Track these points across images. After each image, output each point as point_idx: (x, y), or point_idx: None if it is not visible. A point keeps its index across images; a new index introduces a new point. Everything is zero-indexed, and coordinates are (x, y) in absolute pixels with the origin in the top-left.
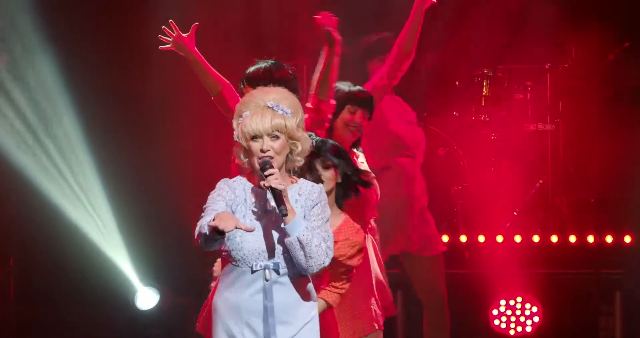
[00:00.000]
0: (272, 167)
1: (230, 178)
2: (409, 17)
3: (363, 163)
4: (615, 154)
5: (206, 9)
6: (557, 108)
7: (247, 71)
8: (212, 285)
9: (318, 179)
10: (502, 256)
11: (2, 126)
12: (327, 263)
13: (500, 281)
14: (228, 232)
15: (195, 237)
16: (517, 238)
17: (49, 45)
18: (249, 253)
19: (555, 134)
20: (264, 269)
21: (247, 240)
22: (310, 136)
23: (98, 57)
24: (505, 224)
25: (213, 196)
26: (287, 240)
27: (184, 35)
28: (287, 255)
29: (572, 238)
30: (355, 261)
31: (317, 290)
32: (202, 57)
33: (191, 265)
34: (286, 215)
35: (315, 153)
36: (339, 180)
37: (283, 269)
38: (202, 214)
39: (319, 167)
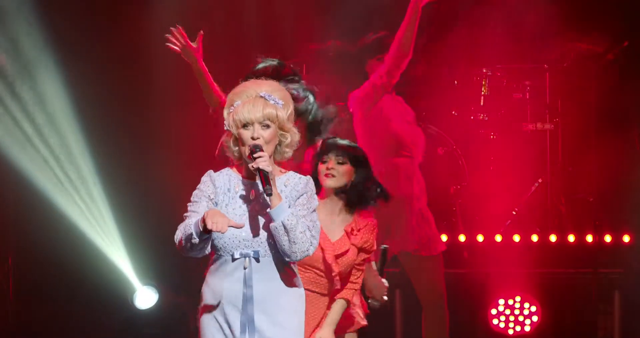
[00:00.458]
0: (261, 151)
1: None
2: (406, 15)
3: None
4: (614, 154)
5: (206, 10)
6: (555, 108)
7: (255, 68)
8: None
9: (315, 178)
10: (501, 256)
11: (1, 127)
12: (311, 252)
13: (499, 280)
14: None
15: (178, 241)
16: (516, 238)
17: (49, 46)
18: (230, 241)
19: (554, 134)
20: (244, 257)
21: (228, 229)
22: (334, 138)
23: (98, 58)
24: (504, 223)
25: (196, 194)
26: (272, 225)
27: (192, 44)
28: (269, 243)
29: (571, 238)
30: (374, 246)
31: (335, 293)
32: (207, 69)
33: (190, 264)
34: (271, 194)
35: (330, 147)
36: (354, 180)
37: (263, 257)
38: (185, 214)
39: (332, 159)
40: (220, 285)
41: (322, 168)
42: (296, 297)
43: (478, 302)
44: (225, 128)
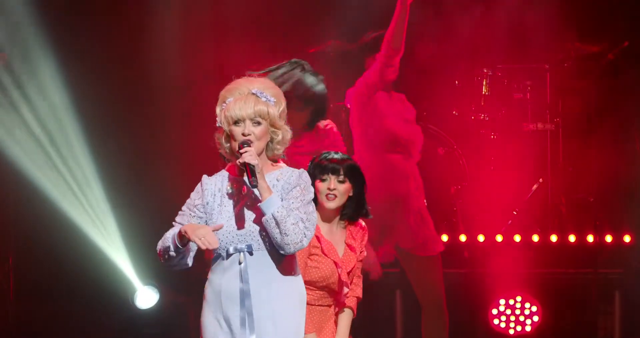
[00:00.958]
0: (249, 146)
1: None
2: (395, 12)
3: None
4: (614, 154)
5: (205, 12)
6: (556, 108)
7: (279, 73)
8: None
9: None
10: (502, 256)
11: (1, 127)
12: (305, 244)
13: (500, 280)
14: (212, 248)
15: (158, 253)
16: (517, 238)
17: (50, 47)
18: (223, 237)
19: (555, 134)
20: (239, 252)
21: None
22: (325, 154)
23: (99, 58)
24: (505, 223)
25: (185, 204)
26: (263, 218)
27: None
28: (262, 236)
29: (572, 238)
30: (365, 252)
31: (340, 304)
32: None
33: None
34: (256, 186)
35: (327, 164)
36: (352, 194)
37: (257, 251)
38: (173, 223)
39: (332, 178)
40: (219, 281)
41: (321, 187)
42: (294, 289)
43: (479, 301)
44: (217, 125)
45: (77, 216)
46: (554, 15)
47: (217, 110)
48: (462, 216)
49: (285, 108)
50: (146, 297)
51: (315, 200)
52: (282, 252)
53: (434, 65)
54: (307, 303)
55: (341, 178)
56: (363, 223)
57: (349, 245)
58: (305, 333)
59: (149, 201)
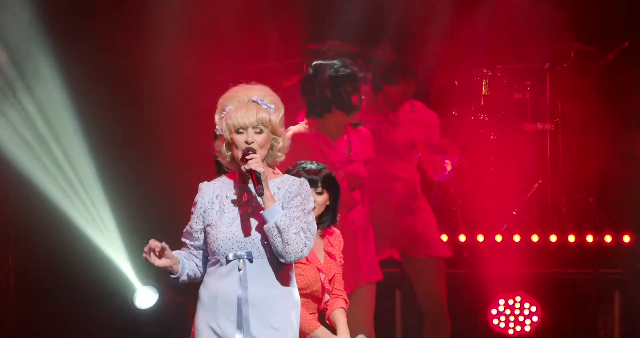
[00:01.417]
0: (255, 153)
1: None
2: None
3: None
4: (614, 154)
5: (205, 13)
6: (556, 108)
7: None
8: None
9: None
10: (501, 256)
11: (1, 127)
12: (305, 253)
13: (499, 280)
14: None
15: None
16: (516, 238)
17: (50, 47)
18: (223, 243)
19: (555, 134)
20: (238, 259)
21: (221, 231)
22: (301, 164)
23: (98, 59)
24: (504, 223)
25: (193, 208)
26: (265, 226)
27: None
28: (263, 244)
29: (571, 238)
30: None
31: (326, 307)
32: None
33: None
34: (262, 194)
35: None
36: (329, 204)
37: (257, 258)
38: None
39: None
40: (216, 286)
41: None
42: (291, 299)
43: (478, 302)
44: (217, 133)
45: (77, 216)
46: (553, 16)
47: (216, 118)
48: (461, 216)
49: (283, 115)
50: (146, 297)
51: None
52: (282, 261)
53: (433, 65)
54: None
55: (319, 189)
56: (337, 231)
57: (328, 253)
58: (312, 330)
59: (149, 201)
